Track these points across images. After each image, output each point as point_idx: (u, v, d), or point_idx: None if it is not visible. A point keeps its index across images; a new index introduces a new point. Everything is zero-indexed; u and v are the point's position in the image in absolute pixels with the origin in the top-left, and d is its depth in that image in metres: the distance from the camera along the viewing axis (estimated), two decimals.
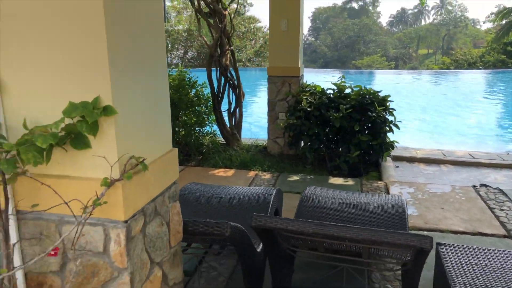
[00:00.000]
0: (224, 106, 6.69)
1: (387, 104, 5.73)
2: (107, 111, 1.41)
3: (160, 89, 1.80)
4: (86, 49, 1.42)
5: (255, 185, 5.15)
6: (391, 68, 47.09)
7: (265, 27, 25.53)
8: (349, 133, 5.58)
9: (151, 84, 1.72)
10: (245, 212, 3.31)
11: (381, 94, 5.81)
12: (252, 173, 5.54)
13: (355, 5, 61.60)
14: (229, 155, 6.04)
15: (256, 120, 11.15)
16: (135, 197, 1.55)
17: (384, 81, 24.28)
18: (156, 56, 1.75)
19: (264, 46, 23.68)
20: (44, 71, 1.48)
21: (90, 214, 1.43)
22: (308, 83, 6.37)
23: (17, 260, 1.56)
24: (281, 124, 5.99)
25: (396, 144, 5.76)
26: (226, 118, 6.75)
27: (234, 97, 6.71)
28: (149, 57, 1.70)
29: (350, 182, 5.28)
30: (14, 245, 1.54)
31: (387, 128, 5.63)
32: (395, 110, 5.79)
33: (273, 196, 3.51)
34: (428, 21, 62.32)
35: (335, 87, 6.00)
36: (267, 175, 5.46)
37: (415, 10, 63.24)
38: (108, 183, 1.44)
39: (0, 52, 1.49)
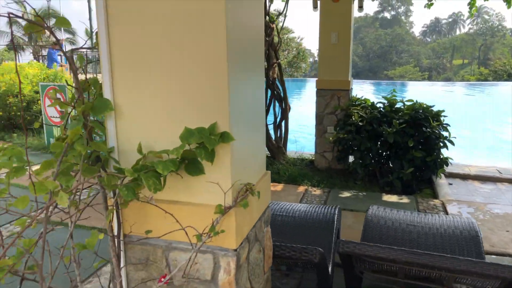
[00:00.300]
0: (269, 119, 6.66)
1: (442, 119, 5.55)
2: (225, 137, 1.39)
3: (260, 110, 1.77)
4: (205, 77, 1.40)
5: (306, 201, 5.07)
6: (424, 79, 46.09)
7: (298, 38, 25.55)
8: (402, 149, 5.42)
9: (254, 107, 1.69)
10: (310, 232, 3.24)
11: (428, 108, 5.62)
12: (301, 188, 5.46)
13: (387, 15, 60.87)
14: (276, 169, 5.98)
15: (290, 131, 11.03)
16: (243, 224, 1.51)
17: (418, 92, 23.73)
18: (258, 78, 1.72)
19: (297, 56, 23.66)
20: (159, 96, 1.47)
21: (204, 242, 1.39)
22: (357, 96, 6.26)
23: (123, 285, 1.55)
24: (330, 138, 5.89)
25: (450, 160, 5.56)
26: (271, 131, 6.71)
27: (280, 110, 6.68)
28: (253, 80, 1.67)
29: (404, 200, 5.11)
30: (120, 269, 1.53)
31: (441, 144, 5.45)
32: (449, 125, 5.60)
33: (336, 215, 3.43)
34: (463, 30, 60.78)
35: (386, 101, 5.86)
36: (317, 191, 5.36)
37: (450, 20, 61.83)
38: (223, 211, 1.41)
39: (116, 76, 1.49)
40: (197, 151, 1.38)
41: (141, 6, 1.41)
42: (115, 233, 1.47)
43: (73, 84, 1.49)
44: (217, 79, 1.39)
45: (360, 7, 6.09)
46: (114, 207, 1.45)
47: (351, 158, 6.12)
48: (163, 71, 1.45)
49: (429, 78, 47.69)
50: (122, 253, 1.54)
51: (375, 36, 52.41)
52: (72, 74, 1.48)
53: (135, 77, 1.48)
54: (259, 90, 1.74)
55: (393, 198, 5.18)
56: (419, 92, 23.77)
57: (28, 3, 1.31)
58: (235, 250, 1.46)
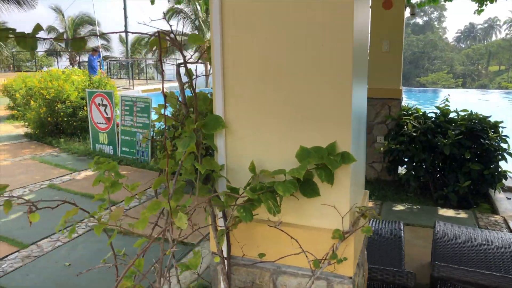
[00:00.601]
0: None
1: (500, 130, 5.30)
2: (345, 158, 1.30)
3: (363, 126, 1.68)
4: (325, 91, 1.33)
5: None
6: (458, 86, 44.81)
7: None
8: (458, 161, 5.19)
9: (362, 122, 1.61)
10: (379, 249, 3.11)
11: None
12: None
13: (419, 20, 59.65)
14: None
15: None
16: (358, 250, 1.42)
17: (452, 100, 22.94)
18: (364, 89, 1.64)
19: None
20: (271, 111, 1.40)
21: (323, 269, 1.31)
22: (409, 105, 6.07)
23: None
24: (381, 149, 5.72)
25: (509, 174, 5.28)
26: None
27: None
28: (363, 92, 1.59)
29: (462, 214, 4.89)
30: None
31: (499, 157, 5.20)
32: (508, 137, 5.33)
33: (402, 232, 3.29)
34: (499, 36, 58.76)
35: (438, 111, 5.65)
36: (369, 203, 5.20)
37: (485, 25, 59.96)
38: (342, 236, 1.32)
39: (227, 91, 1.44)
40: (316, 172, 1.30)
41: (261, 15, 1.35)
42: (225, 254, 1.41)
43: (180, 100, 1.45)
44: (340, 94, 1.31)
45: (413, 14, 5.93)
46: (225, 228, 1.39)
47: (399, 169, 5.93)
48: (277, 85, 1.38)
49: (463, 85, 46.32)
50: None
51: (407, 42, 51.36)
52: (179, 89, 1.44)
53: (247, 91, 1.42)
54: (364, 102, 1.66)
55: (449, 212, 4.96)
56: (452, 100, 23.01)
57: (150, 25, 1.27)
58: (351, 277, 1.37)
